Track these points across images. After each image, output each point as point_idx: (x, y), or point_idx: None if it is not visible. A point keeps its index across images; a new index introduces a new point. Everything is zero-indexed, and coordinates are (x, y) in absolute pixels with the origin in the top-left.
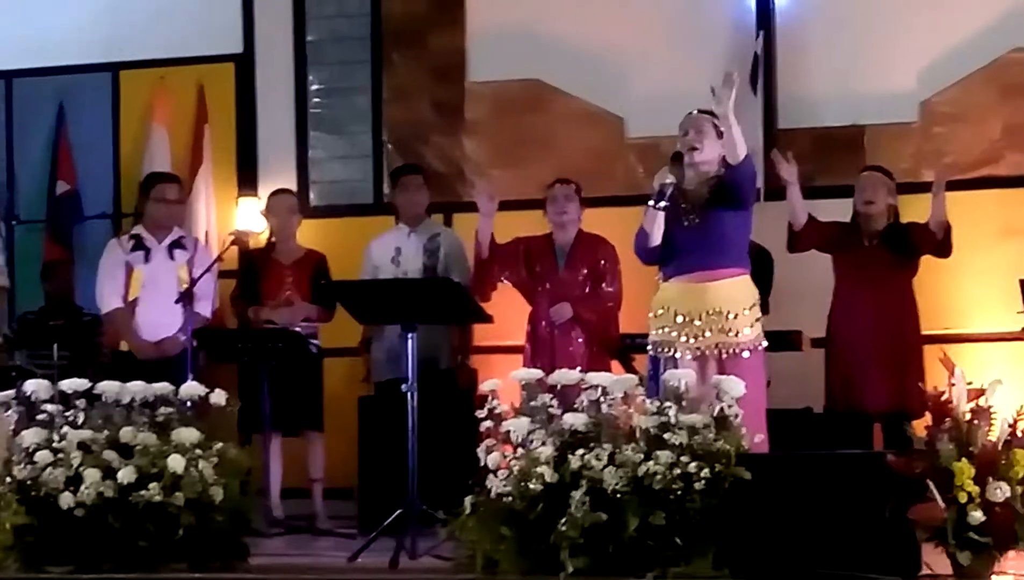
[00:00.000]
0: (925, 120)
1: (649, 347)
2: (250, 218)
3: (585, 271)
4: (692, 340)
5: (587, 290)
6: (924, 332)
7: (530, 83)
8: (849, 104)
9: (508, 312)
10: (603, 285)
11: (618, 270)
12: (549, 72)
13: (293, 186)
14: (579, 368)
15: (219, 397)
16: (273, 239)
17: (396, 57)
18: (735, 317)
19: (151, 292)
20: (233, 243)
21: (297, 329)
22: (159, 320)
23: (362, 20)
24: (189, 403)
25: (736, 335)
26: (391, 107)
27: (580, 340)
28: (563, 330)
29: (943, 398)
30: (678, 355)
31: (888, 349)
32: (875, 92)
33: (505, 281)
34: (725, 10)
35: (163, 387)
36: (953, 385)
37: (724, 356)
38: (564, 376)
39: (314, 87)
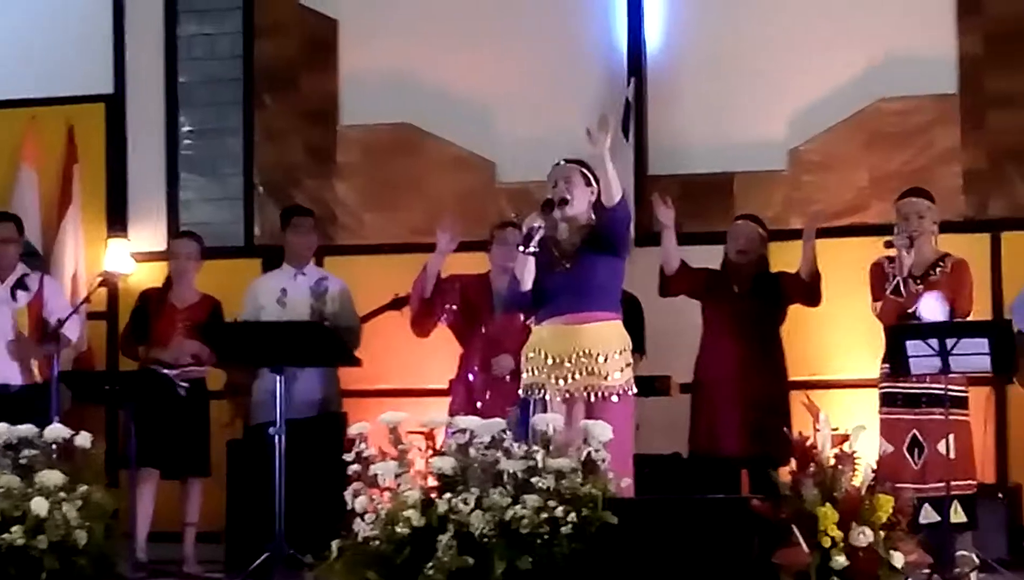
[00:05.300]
0: (794, 168)
1: (520, 390)
2: (119, 259)
3: (522, 317)
4: (561, 382)
5: (524, 337)
6: (791, 378)
7: (401, 127)
8: (719, 151)
9: (380, 355)
10: None
11: None
12: (420, 116)
13: (163, 228)
14: None
15: (84, 439)
16: (170, 281)
17: (268, 100)
18: (605, 360)
19: None
20: (101, 285)
21: (187, 371)
22: None
23: (234, 62)
24: (54, 445)
25: (606, 378)
26: (262, 149)
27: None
28: (498, 379)
29: (808, 443)
30: (548, 397)
31: (752, 395)
32: (744, 140)
33: (444, 318)
34: (597, 57)
35: (27, 429)
36: (818, 430)
37: (593, 399)
38: (433, 419)
39: (185, 128)
